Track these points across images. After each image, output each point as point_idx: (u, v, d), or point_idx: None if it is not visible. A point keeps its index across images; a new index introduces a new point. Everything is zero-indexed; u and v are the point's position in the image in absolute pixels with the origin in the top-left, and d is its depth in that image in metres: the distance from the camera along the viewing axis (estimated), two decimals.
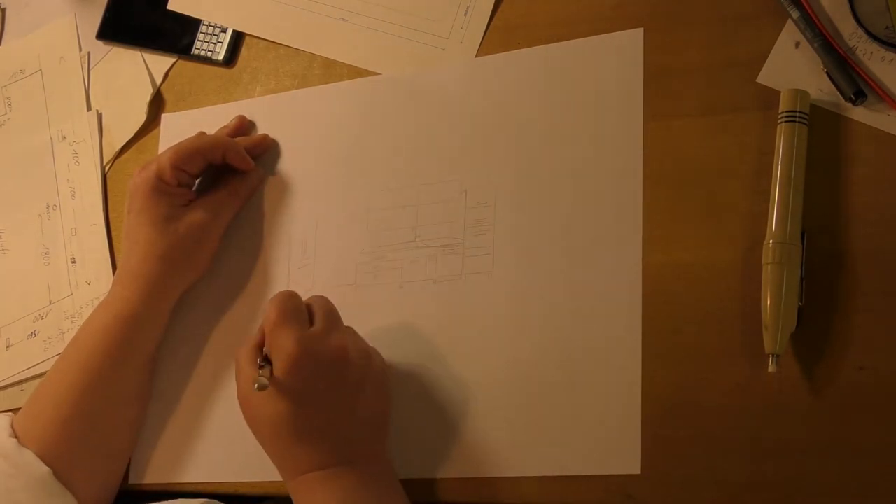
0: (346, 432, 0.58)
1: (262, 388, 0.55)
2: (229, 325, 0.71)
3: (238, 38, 0.79)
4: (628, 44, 0.64)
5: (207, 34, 0.79)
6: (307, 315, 0.59)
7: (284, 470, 0.59)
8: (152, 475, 0.70)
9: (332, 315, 0.60)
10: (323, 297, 0.61)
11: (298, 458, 0.57)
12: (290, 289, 0.60)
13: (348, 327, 0.61)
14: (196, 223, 0.68)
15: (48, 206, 0.81)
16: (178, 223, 0.68)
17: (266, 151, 0.74)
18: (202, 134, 0.72)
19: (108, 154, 0.80)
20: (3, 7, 0.91)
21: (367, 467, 0.58)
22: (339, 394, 0.57)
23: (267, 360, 0.57)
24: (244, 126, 0.75)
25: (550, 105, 0.65)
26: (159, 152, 0.77)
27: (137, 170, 0.69)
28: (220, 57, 0.78)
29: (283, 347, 0.56)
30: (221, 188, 0.71)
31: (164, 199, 0.68)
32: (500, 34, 0.69)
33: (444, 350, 0.64)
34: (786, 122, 0.57)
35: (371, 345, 0.62)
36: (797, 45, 0.60)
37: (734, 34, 0.62)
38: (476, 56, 0.69)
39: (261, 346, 0.59)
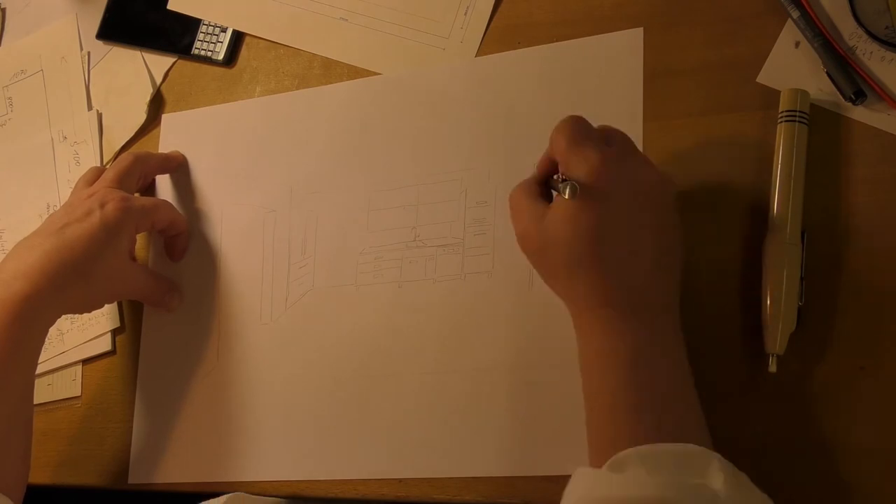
0: (647, 269, 0.52)
1: (573, 192, 0.49)
2: (229, 323, 0.71)
3: (238, 38, 0.79)
4: (628, 44, 0.64)
5: (207, 34, 0.79)
6: (601, 136, 0.54)
7: (574, 302, 0.54)
8: (152, 475, 0.70)
9: (630, 140, 0.54)
10: (615, 128, 0.55)
11: (592, 290, 0.52)
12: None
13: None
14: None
15: (49, 206, 0.81)
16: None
17: (177, 168, 0.76)
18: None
19: (109, 154, 0.80)
20: (3, 7, 0.91)
21: (662, 321, 0.52)
22: (648, 214, 0.52)
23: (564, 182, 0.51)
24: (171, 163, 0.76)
25: (550, 105, 0.65)
26: (159, 152, 0.78)
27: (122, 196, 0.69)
28: (220, 57, 0.78)
29: (586, 163, 0.51)
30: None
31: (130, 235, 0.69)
32: (500, 34, 0.69)
33: (443, 350, 0.64)
34: (786, 121, 0.57)
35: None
36: (797, 44, 0.60)
37: (734, 34, 0.62)
38: (476, 56, 0.69)
39: (541, 180, 0.55)
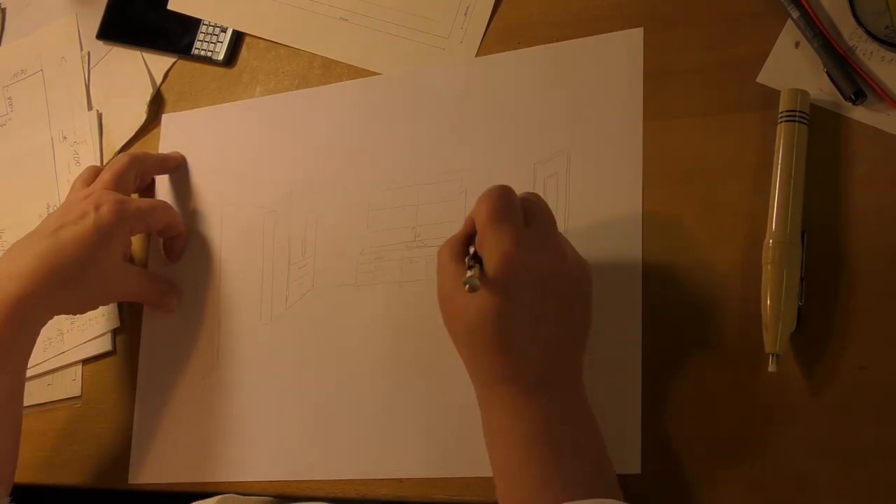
0: (550, 349, 0.53)
1: (473, 288, 0.51)
2: (229, 323, 0.71)
3: (238, 38, 0.79)
4: (628, 44, 0.64)
5: (207, 34, 0.79)
6: (522, 214, 0.54)
7: (477, 377, 0.55)
8: (152, 475, 0.70)
9: (551, 219, 0.55)
10: (538, 197, 0.57)
11: (495, 368, 0.53)
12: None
13: (562, 234, 0.57)
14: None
15: (48, 206, 0.81)
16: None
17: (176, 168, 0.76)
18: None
19: (109, 154, 0.80)
20: (3, 7, 0.91)
21: (562, 392, 0.54)
22: (550, 305, 0.53)
23: (476, 259, 0.53)
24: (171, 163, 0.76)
25: (550, 105, 0.65)
26: (159, 152, 0.78)
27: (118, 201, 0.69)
28: (220, 57, 0.78)
29: (499, 246, 0.52)
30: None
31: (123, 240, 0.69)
32: (500, 34, 0.69)
33: (444, 350, 0.63)
34: (786, 121, 0.57)
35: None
36: (797, 44, 0.60)
37: (734, 34, 0.62)
38: (476, 56, 0.69)
39: (466, 240, 0.56)
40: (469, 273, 0.52)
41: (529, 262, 0.52)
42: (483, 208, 0.53)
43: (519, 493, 0.52)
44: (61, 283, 0.64)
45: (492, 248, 0.52)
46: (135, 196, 0.74)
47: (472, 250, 0.55)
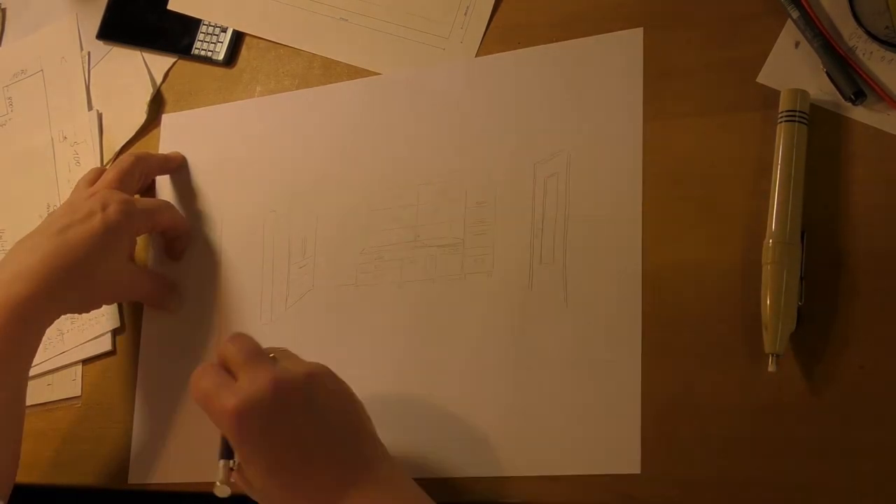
0: (332, 456, 0.53)
1: (224, 493, 0.53)
2: (229, 324, 0.71)
3: (238, 38, 0.79)
4: (628, 44, 0.64)
5: (207, 34, 0.79)
6: (225, 372, 0.54)
7: None
8: (152, 475, 0.70)
9: (251, 355, 0.54)
10: (231, 344, 0.55)
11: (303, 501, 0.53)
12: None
13: (272, 356, 0.56)
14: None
15: (49, 206, 0.81)
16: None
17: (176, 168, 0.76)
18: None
19: (109, 154, 0.80)
20: (3, 7, 0.91)
21: (372, 477, 0.53)
22: (300, 428, 0.52)
23: (228, 452, 0.54)
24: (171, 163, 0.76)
25: (550, 105, 0.65)
26: (159, 152, 0.78)
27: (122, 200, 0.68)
28: (220, 57, 0.78)
29: (222, 418, 0.52)
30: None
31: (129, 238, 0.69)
32: (500, 34, 0.69)
33: (444, 350, 0.64)
34: (786, 121, 0.57)
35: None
36: (797, 44, 0.60)
37: (734, 34, 0.62)
38: (476, 56, 0.69)
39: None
40: (218, 481, 0.53)
41: (253, 411, 0.51)
42: (197, 399, 0.53)
43: None
44: (68, 284, 0.64)
45: (219, 424, 0.52)
46: (137, 196, 0.74)
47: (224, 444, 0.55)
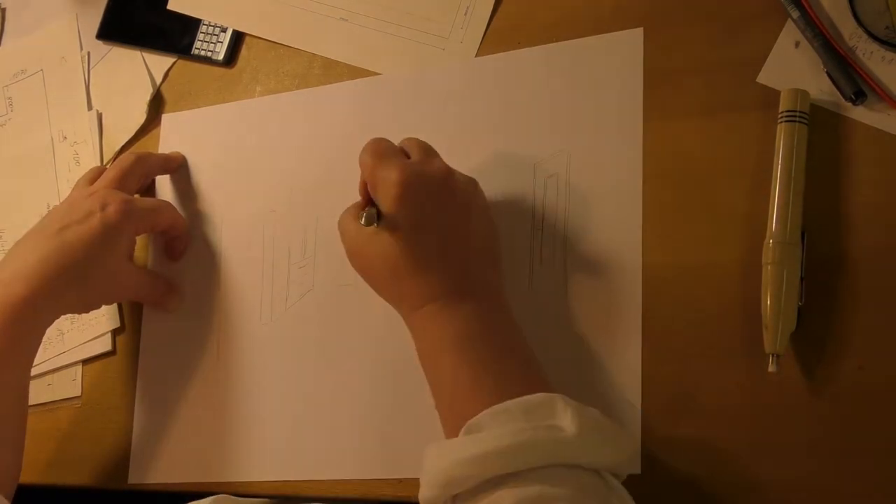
0: (460, 259, 0.57)
1: (369, 219, 0.56)
2: (229, 324, 0.71)
3: (238, 38, 0.79)
4: (628, 44, 0.64)
5: (207, 34, 0.79)
6: (402, 152, 0.59)
7: (402, 307, 0.59)
8: (152, 475, 0.70)
9: (429, 148, 0.60)
10: (413, 137, 0.61)
11: (415, 292, 0.57)
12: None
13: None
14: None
15: (48, 206, 0.81)
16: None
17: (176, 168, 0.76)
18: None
19: (109, 154, 0.80)
20: (3, 7, 0.91)
21: (484, 298, 0.57)
22: (450, 217, 0.57)
23: (372, 205, 0.58)
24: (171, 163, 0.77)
25: (550, 105, 0.65)
26: (159, 152, 0.78)
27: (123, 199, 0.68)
28: (220, 57, 0.78)
29: (387, 178, 0.56)
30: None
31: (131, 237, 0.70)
32: (500, 34, 0.69)
33: None
34: (786, 121, 0.57)
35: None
36: (797, 44, 0.60)
37: (734, 34, 0.62)
38: (476, 56, 0.69)
39: (360, 206, 0.60)
40: (365, 211, 0.57)
41: (419, 182, 0.56)
42: (365, 158, 0.58)
43: (454, 397, 0.55)
44: (68, 284, 0.64)
45: (382, 184, 0.56)
46: (136, 196, 0.74)
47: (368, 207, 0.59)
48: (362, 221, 0.56)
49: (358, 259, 0.60)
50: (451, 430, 0.54)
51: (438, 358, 0.56)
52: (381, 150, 0.58)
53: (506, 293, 0.59)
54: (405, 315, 0.58)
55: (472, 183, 0.60)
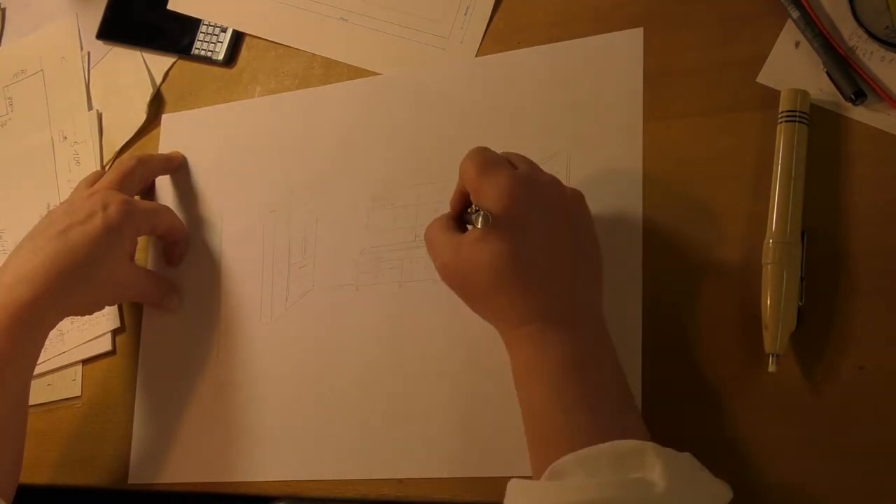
0: (565, 279, 0.54)
1: (486, 221, 0.52)
2: (229, 324, 0.71)
3: (238, 38, 0.79)
4: (628, 44, 0.64)
5: (207, 34, 0.79)
6: (509, 162, 0.57)
7: (503, 321, 0.55)
8: (152, 475, 0.70)
9: (533, 162, 0.57)
10: (518, 154, 0.58)
11: (515, 310, 0.54)
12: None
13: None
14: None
15: (49, 206, 0.81)
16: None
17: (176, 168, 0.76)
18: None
19: (109, 154, 0.80)
20: (3, 7, 0.91)
21: (584, 326, 0.54)
22: (559, 230, 0.54)
23: (475, 211, 0.55)
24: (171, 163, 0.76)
25: (550, 105, 0.65)
26: (159, 152, 0.78)
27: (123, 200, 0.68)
28: (220, 57, 0.78)
29: (496, 186, 0.53)
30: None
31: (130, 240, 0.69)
32: (500, 34, 0.69)
33: (444, 350, 0.64)
34: (786, 121, 0.57)
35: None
36: (797, 44, 0.60)
37: (734, 34, 0.62)
38: (476, 56, 0.69)
39: (454, 216, 0.58)
40: (474, 216, 0.53)
41: (529, 194, 0.53)
42: (469, 165, 0.55)
43: (542, 429, 0.52)
44: (71, 286, 0.64)
45: (491, 191, 0.53)
46: (137, 198, 0.74)
47: (471, 210, 0.56)
48: (478, 223, 0.52)
49: (454, 270, 0.56)
50: (536, 462, 0.52)
51: (531, 385, 0.53)
52: (487, 158, 0.55)
53: (604, 319, 0.56)
54: (502, 332, 0.56)
55: (580, 196, 0.57)
